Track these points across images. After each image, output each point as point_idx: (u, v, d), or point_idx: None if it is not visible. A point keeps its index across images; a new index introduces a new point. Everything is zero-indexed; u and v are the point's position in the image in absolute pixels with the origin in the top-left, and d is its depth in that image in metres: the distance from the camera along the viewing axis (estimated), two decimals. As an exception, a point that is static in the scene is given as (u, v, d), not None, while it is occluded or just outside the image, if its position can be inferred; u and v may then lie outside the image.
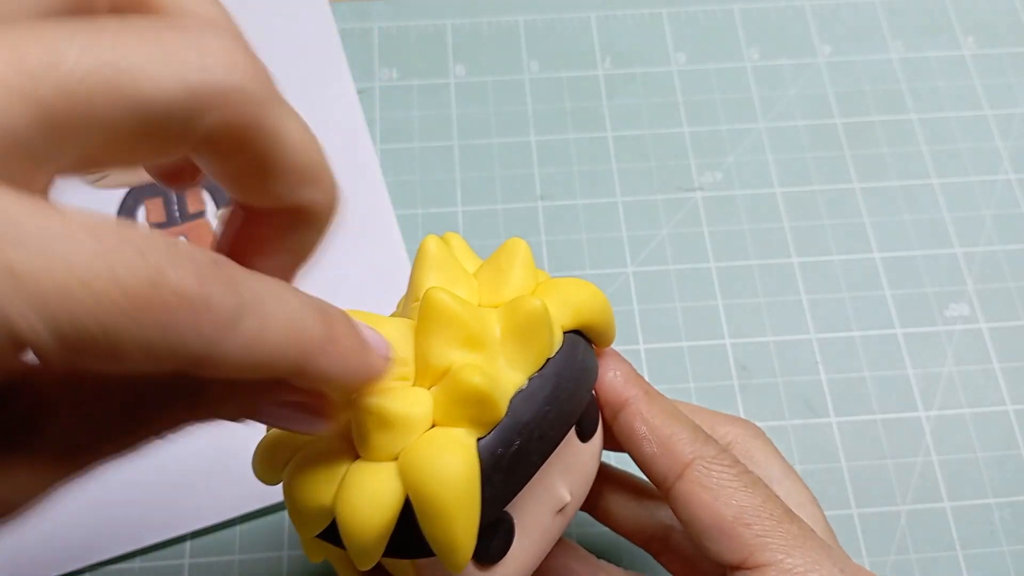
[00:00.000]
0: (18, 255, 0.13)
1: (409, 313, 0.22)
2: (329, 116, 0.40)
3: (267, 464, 0.22)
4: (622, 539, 0.28)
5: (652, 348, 0.36)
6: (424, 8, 0.43)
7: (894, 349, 0.36)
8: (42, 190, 0.15)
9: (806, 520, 0.24)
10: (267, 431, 0.23)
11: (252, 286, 0.15)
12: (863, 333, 0.36)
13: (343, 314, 0.18)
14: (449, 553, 0.20)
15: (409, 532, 0.20)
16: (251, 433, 0.34)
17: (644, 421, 0.24)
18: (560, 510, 0.23)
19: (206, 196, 0.38)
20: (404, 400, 0.20)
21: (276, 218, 0.18)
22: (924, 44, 0.43)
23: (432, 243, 0.23)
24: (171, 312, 0.14)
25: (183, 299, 0.14)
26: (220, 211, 0.38)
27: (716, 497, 0.23)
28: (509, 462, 0.21)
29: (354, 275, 0.37)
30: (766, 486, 0.24)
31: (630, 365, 0.25)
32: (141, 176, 0.39)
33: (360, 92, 0.41)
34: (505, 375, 0.21)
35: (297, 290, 0.17)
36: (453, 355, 0.21)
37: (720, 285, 0.37)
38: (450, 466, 0.19)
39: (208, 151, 0.16)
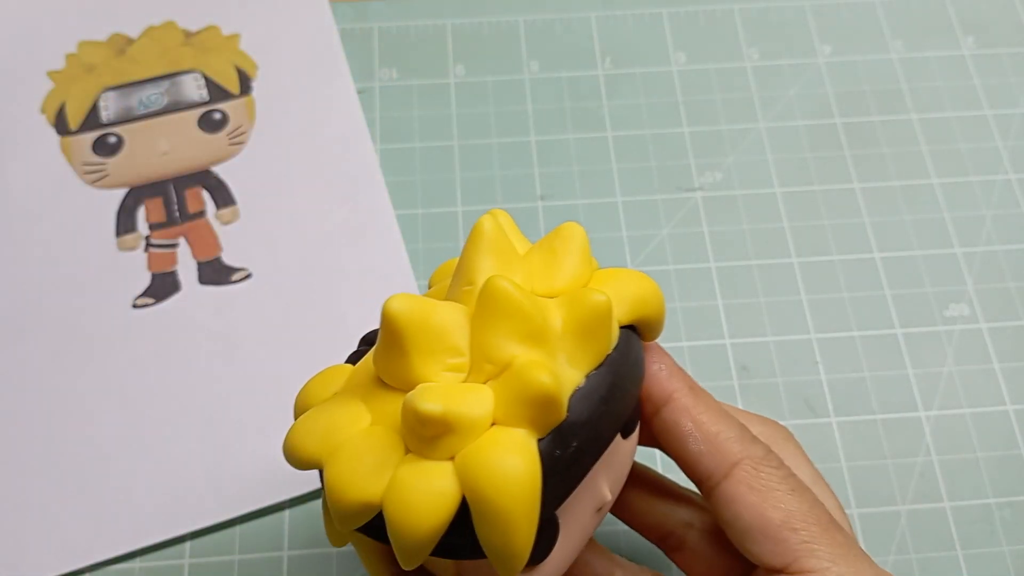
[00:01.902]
0: None
1: (459, 297, 0.21)
2: (329, 116, 0.40)
3: (302, 447, 0.21)
4: (632, 534, 0.28)
5: (652, 348, 0.36)
6: (424, 8, 0.43)
7: (894, 349, 0.36)
8: None
9: None
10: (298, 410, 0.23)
11: None
12: (863, 333, 0.36)
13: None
14: (506, 559, 0.19)
15: (460, 534, 0.19)
16: (250, 434, 0.34)
17: (691, 417, 0.23)
18: (599, 508, 0.23)
19: (206, 196, 0.38)
20: (468, 402, 0.19)
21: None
22: (924, 44, 0.43)
23: (488, 223, 0.22)
24: None
25: None
26: (219, 211, 0.38)
27: (764, 499, 0.22)
28: (566, 464, 0.20)
29: (354, 275, 0.37)
30: (811, 491, 0.23)
31: (672, 359, 0.25)
32: (139, 175, 0.39)
33: (360, 92, 0.41)
34: (565, 373, 0.20)
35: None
36: (514, 349, 0.20)
37: (720, 285, 0.37)
38: (513, 471, 0.19)
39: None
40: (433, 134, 0.40)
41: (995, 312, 0.37)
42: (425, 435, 0.19)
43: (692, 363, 0.35)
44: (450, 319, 0.20)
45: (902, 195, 0.39)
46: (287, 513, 0.33)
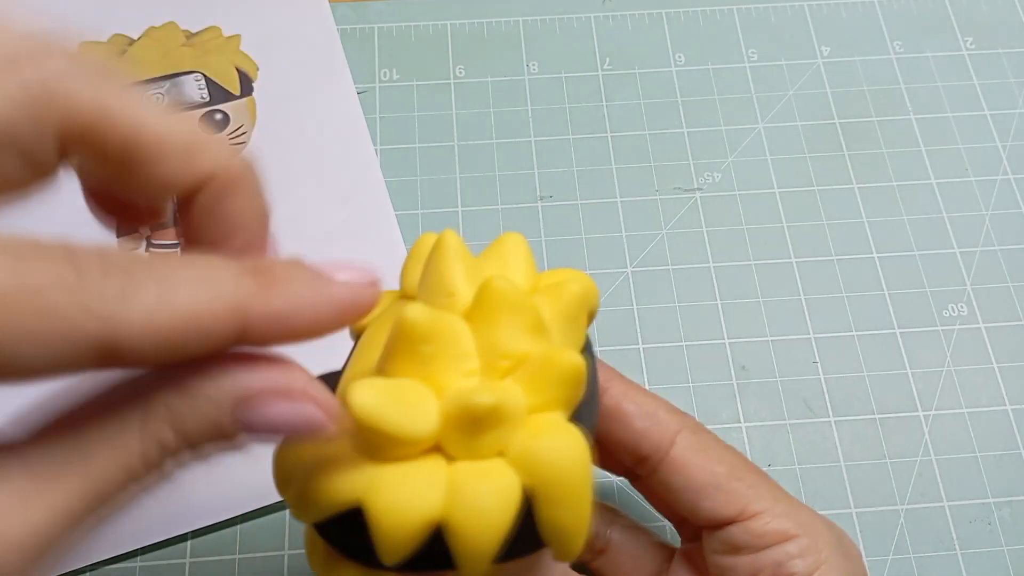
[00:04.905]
0: None
1: (440, 308, 0.21)
2: (329, 116, 0.40)
3: (327, 492, 0.19)
4: None
5: (652, 348, 0.36)
6: (424, 8, 0.43)
7: (893, 349, 0.36)
8: None
9: None
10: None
11: (148, 261, 0.15)
12: (862, 333, 0.36)
13: (293, 260, 0.18)
14: (574, 538, 0.19)
15: (517, 531, 0.19)
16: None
17: (630, 399, 0.25)
18: None
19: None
20: (510, 395, 0.19)
21: (199, 204, 0.18)
22: (924, 44, 0.43)
23: (451, 236, 0.22)
24: (42, 296, 0.14)
25: (56, 283, 0.14)
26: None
27: (709, 457, 0.24)
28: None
29: (354, 275, 0.37)
30: (733, 447, 0.26)
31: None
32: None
33: (360, 92, 0.41)
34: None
35: (223, 259, 0.16)
36: (524, 342, 0.20)
37: (720, 285, 0.37)
38: (573, 449, 0.19)
39: (71, 146, 0.16)
40: (433, 134, 0.40)
41: (994, 312, 0.37)
42: (477, 431, 0.19)
43: (691, 363, 0.35)
44: (456, 325, 0.20)
45: (901, 195, 0.39)
46: (287, 513, 0.33)
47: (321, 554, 0.22)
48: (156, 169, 0.17)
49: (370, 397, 0.18)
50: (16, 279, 0.14)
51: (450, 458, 0.19)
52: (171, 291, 0.15)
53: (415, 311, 0.19)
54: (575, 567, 0.28)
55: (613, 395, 0.25)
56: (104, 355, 0.14)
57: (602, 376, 0.25)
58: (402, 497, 0.18)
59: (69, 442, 0.16)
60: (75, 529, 0.16)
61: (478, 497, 0.18)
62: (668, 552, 0.28)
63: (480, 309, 0.20)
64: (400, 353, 0.20)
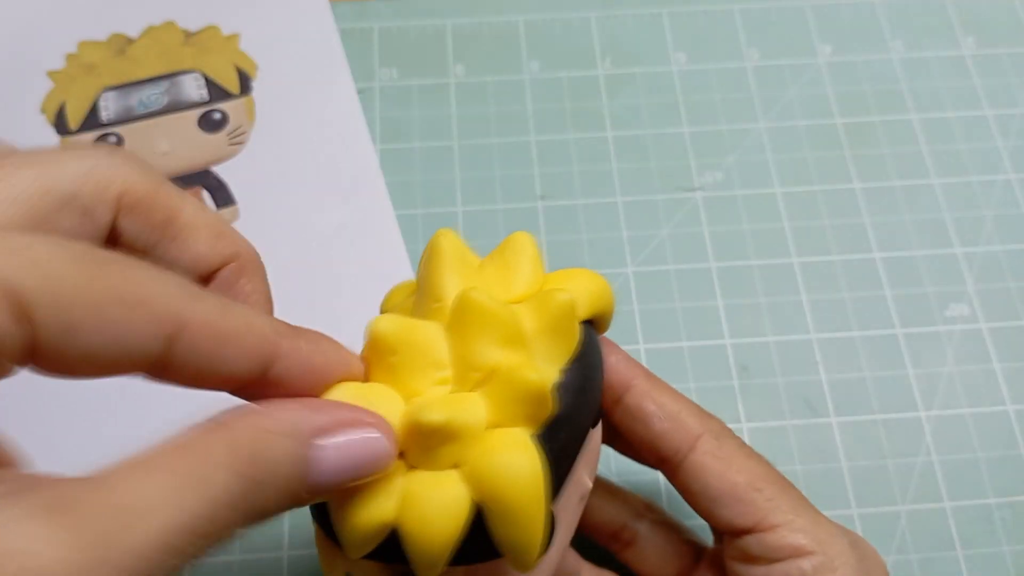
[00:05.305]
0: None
1: (428, 315, 0.22)
2: (329, 116, 0.40)
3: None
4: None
5: (652, 348, 0.36)
6: (424, 8, 0.43)
7: (894, 349, 0.36)
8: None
9: None
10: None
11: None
12: (863, 333, 0.36)
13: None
14: (523, 553, 0.20)
15: (473, 539, 0.20)
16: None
17: (652, 399, 0.25)
18: (581, 497, 0.24)
19: (206, 196, 0.38)
20: (466, 409, 0.20)
21: (217, 281, 0.21)
22: (924, 44, 0.43)
23: (445, 240, 0.22)
24: (133, 274, 0.16)
25: (142, 267, 0.17)
26: (219, 211, 0.38)
27: (728, 466, 0.24)
28: (557, 456, 0.21)
29: (354, 275, 0.37)
30: (762, 455, 0.25)
31: (623, 351, 0.26)
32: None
33: (360, 92, 0.41)
34: (544, 370, 0.21)
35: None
36: (496, 354, 0.20)
37: (720, 285, 0.37)
38: (523, 468, 0.19)
39: (124, 212, 0.20)
40: (433, 134, 0.40)
41: (995, 312, 0.37)
42: (430, 446, 0.19)
43: (692, 363, 0.35)
44: (430, 335, 0.21)
45: (902, 195, 0.39)
46: (287, 513, 0.33)
47: (318, 539, 0.22)
48: (191, 242, 0.20)
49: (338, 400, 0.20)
50: (114, 258, 0.16)
51: (411, 466, 0.20)
52: (229, 306, 0.18)
53: (382, 323, 0.20)
54: (603, 557, 0.28)
55: (635, 394, 0.25)
56: (167, 342, 0.16)
57: (627, 373, 0.25)
58: (359, 500, 0.19)
59: (156, 478, 0.16)
60: None
61: (425, 508, 0.19)
62: (697, 551, 0.28)
63: (457, 320, 0.21)
64: (371, 362, 0.21)
